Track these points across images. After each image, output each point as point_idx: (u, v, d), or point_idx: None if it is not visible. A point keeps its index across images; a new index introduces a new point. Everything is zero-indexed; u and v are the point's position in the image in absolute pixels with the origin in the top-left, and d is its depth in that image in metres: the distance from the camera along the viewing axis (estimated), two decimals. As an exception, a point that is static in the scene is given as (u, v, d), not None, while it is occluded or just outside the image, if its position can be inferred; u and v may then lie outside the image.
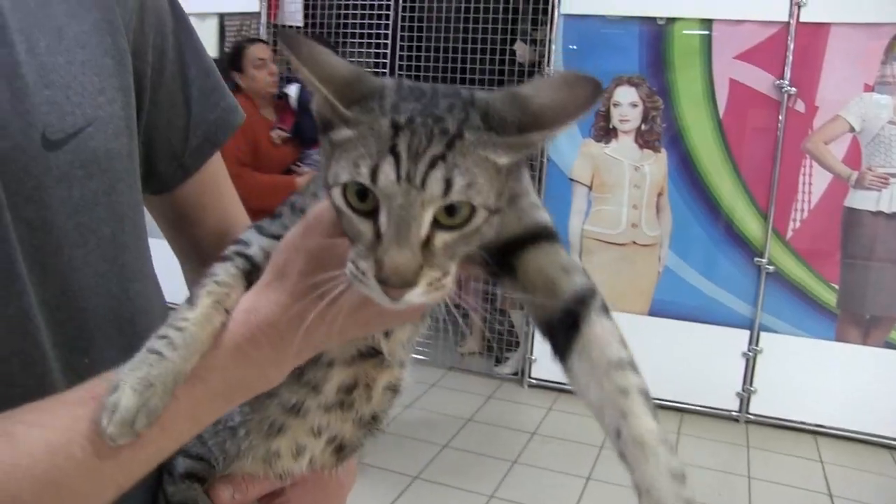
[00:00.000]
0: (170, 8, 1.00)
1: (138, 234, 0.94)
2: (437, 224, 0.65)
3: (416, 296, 0.64)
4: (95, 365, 0.79)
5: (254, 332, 0.75)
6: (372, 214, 0.65)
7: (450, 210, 0.65)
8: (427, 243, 0.65)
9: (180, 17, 1.02)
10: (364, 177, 0.63)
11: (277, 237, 0.80)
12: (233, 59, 4.39)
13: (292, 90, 4.57)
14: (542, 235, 0.77)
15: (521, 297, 0.77)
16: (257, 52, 4.36)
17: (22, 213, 0.77)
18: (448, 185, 0.63)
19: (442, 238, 0.65)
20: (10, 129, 0.76)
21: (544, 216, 0.78)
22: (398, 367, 0.92)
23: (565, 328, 0.74)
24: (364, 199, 0.65)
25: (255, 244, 0.81)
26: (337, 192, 0.66)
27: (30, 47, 0.79)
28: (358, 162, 0.64)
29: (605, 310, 0.75)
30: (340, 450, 0.94)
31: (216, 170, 1.12)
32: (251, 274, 0.78)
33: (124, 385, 0.67)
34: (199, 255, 1.10)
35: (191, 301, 0.74)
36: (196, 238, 1.11)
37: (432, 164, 0.63)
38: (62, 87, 0.80)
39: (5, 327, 0.76)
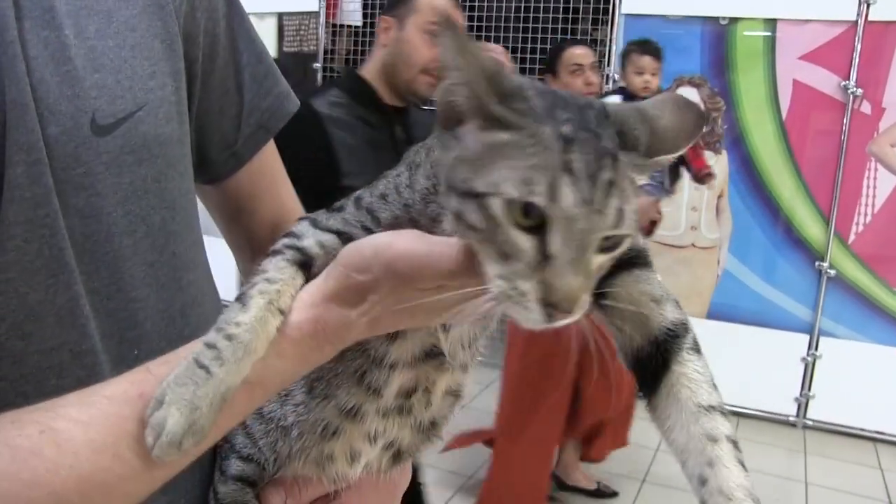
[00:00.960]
0: None
1: (190, 222, 0.91)
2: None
3: (570, 321, 0.61)
4: (146, 357, 0.76)
5: (321, 343, 0.73)
6: (535, 231, 0.61)
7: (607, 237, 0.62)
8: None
9: (232, 2, 0.98)
10: (541, 196, 0.59)
11: (336, 232, 0.76)
12: (549, 61, 3.90)
13: (615, 101, 4.44)
14: (636, 260, 0.74)
15: (608, 326, 0.74)
16: (576, 55, 3.77)
17: (71, 200, 0.75)
18: (621, 214, 0.61)
19: (598, 261, 0.62)
20: (59, 113, 0.73)
21: (639, 238, 0.74)
22: (460, 371, 0.88)
23: (654, 364, 0.72)
24: (528, 213, 0.60)
25: (310, 237, 0.76)
26: (497, 204, 0.60)
27: (78, 31, 0.77)
28: (530, 177, 0.59)
29: (697, 348, 0.73)
30: (397, 456, 0.91)
31: (270, 159, 1.08)
32: (306, 266, 0.75)
33: (170, 405, 0.65)
34: (253, 248, 1.07)
35: (242, 300, 0.70)
36: (250, 230, 1.08)
37: (608, 191, 0.60)
38: (112, 71, 0.78)
39: (55, 317, 0.74)
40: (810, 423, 4.60)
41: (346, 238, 0.76)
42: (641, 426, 3.60)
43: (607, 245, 0.62)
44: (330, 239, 0.76)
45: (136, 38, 0.82)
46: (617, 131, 0.63)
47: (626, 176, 0.62)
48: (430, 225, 0.73)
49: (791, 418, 4.64)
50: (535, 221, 0.60)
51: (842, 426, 4.56)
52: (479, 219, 0.62)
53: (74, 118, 0.74)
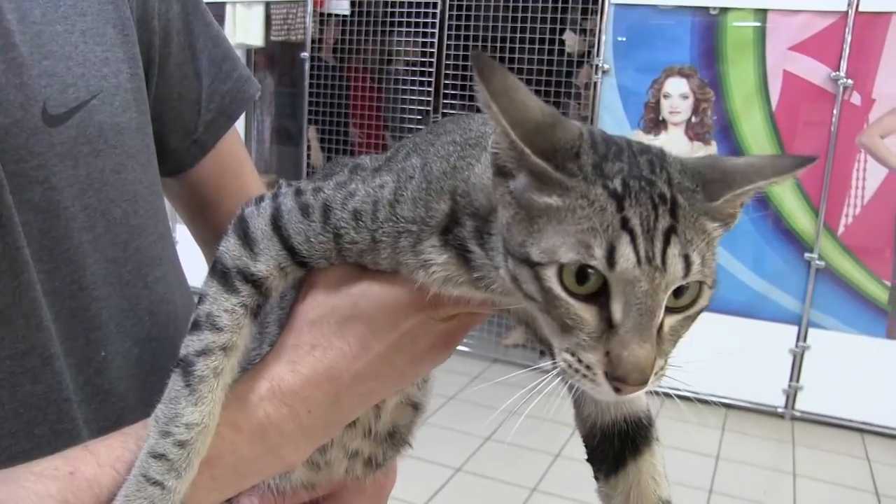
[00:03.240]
0: None
1: (154, 216, 0.88)
2: (665, 307, 0.58)
3: (643, 391, 0.58)
4: (113, 360, 0.75)
5: (277, 406, 0.70)
6: (594, 298, 0.57)
7: (678, 290, 0.58)
8: (658, 330, 0.58)
9: None
10: (599, 260, 0.55)
11: (296, 252, 0.71)
12: None
13: None
14: None
15: (578, 395, 0.73)
16: None
17: (25, 195, 0.72)
18: (687, 262, 0.56)
19: (669, 322, 0.59)
20: (6, 103, 0.70)
21: None
22: (413, 386, 0.85)
23: (622, 444, 0.72)
24: (584, 280, 0.57)
25: (268, 257, 0.71)
26: (551, 273, 0.57)
27: (22, 16, 0.73)
28: (586, 240, 0.55)
29: (658, 439, 0.74)
30: (368, 463, 0.88)
31: (234, 146, 1.05)
32: (258, 309, 0.71)
33: None
34: (220, 241, 1.04)
35: (189, 379, 0.65)
36: (217, 224, 1.02)
37: (667, 240, 0.56)
38: (62, 58, 0.75)
39: (23, 320, 0.71)
40: (798, 414, 4.60)
41: (303, 263, 0.72)
42: None
43: (681, 305, 0.59)
44: (288, 262, 0.71)
45: (86, 23, 0.78)
46: (678, 171, 0.59)
47: (690, 220, 0.58)
48: (391, 264, 0.69)
49: (779, 409, 4.64)
50: (594, 288, 0.57)
51: (830, 417, 4.56)
52: (536, 289, 0.58)
53: (24, 108, 0.71)
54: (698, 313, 0.61)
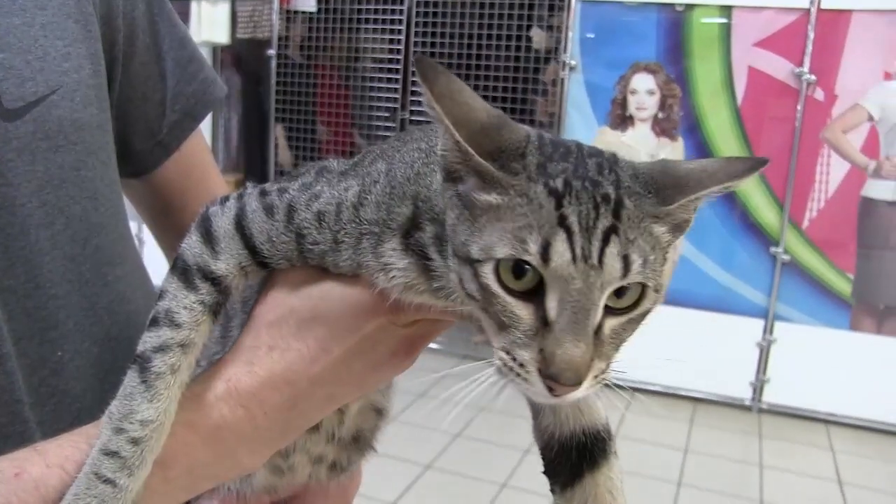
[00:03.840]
0: None
1: (115, 214, 0.87)
2: (606, 308, 0.57)
3: (579, 393, 0.57)
4: (70, 360, 0.73)
5: (233, 407, 0.69)
6: (530, 296, 0.57)
7: (619, 291, 0.57)
8: (597, 332, 0.57)
9: None
10: (533, 255, 0.55)
11: (257, 252, 0.70)
12: None
13: None
14: None
15: (537, 405, 0.73)
16: None
17: None
18: (626, 263, 0.56)
19: (611, 324, 0.58)
20: None
21: None
22: (375, 391, 0.85)
23: (580, 457, 0.72)
24: (520, 276, 0.56)
25: (228, 256, 0.70)
26: (488, 269, 0.57)
27: None
28: (522, 236, 0.55)
29: (616, 454, 0.73)
30: (333, 467, 0.88)
31: (198, 149, 1.04)
32: (217, 307, 0.70)
33: None
34: None
35: (145, 375, 0.65)
36: (181, 227, 0.96)
37: (606, 240, 0.55)
38: (20, 51, 0.73)
39: None
40: (765, 406, 4.66)
41: (263, 264, 0.71)
42: None
43: (622, 306, 0.58)
44: (248, 262, 0.71)
45: (46, 17, 0.77)
46: (630, 176, 0.59)
47: (635, 222, 0.57)
48: (352, 267, 0.69)
49: (747, 402, 4.69)
50: (530, 285, 0.56)
51: (796, 409, 4.61)
52: (476, 287, 0.58)
53: None
54: (642, 316, 0.60)
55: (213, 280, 0.70)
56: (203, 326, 0.69)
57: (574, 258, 0.55)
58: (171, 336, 0.67)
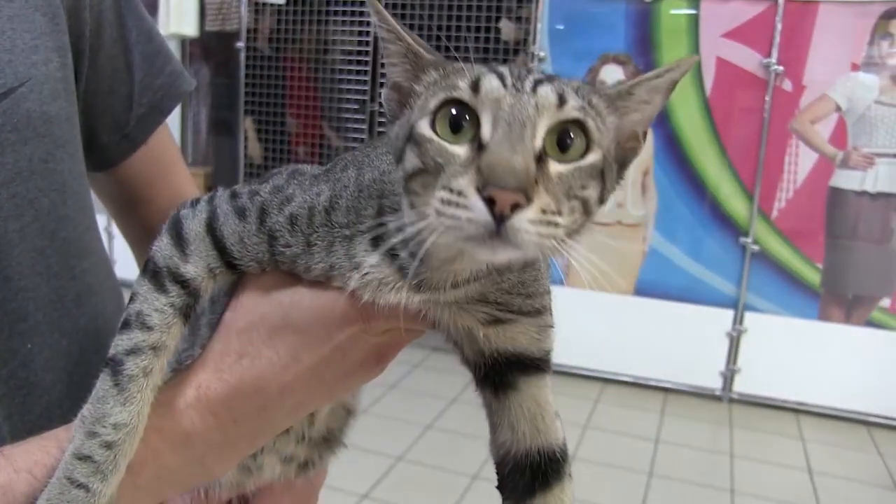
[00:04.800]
0: None
1: (82, 206, 0.88)
2: (549, 155, 0.57)
3: (529, 222, 0.53)
4: (39, 352, 0.73)
5: (202, 413, 0.69)
6: (468, 140, 0.58)
7: (563, 143, 0.58)
8: (541, 167, 0.56)
9: None
10: (463, 90, 0.58)
11: (227, 252, 0.71)
12: None
13: None
14: (544, 364, 0.72)
15: (500, 419, 0.72)
16: None
17: None
18: (561, 98, 0.57)
19: (557, 168, 0.57)
20: None
21: (549, 342, 0.72)
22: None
23: (534, 476, 0.71)
24: (457, 131, 0.57)
25: (198, 259, 0.71)
26: (424, 124, 0.58)
27: None
28: (453, 82, 0.59)
29: (571, 476, 0.73)
30: (303, 466, 0.89)
31: (165, 143, 1.04)
32: (188, 309, 0.71)
33: None
34: (151, 239, 1.00)
35: (118, 378, 0.65)
36: (147, 220, 1.03)
37: (538, 82, 0.58)
38: None
39: None
40: (736, 396, 4.69)
41: (233, 266, 0.72)
42: None
43: (569, 157, 0.58)
44: (217, 264, 0.71)
45: (13, 9, 0.77)
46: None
47: (572, 87, 0.60)
48: (324, 270, 0.69)
49: (717, 392, 4.72)
50: (468, 134, 0.57)
51: (766, 399, 4.65)
52: (415, 155, 0.59)
53: None
54: (591, 167, 0.59)
55: (183, 283, 0.70)
56: (174, 329, 0.69)
57: (504, 86, 0.57)
58: (142, 339, 0.67)
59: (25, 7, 0.78)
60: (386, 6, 4.77)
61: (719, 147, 4.54)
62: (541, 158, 0.57)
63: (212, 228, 0.72)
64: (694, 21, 4.47)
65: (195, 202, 0.75)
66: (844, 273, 4.50)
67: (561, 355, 4.85)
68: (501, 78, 0.58)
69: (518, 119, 0.56)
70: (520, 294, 0.69)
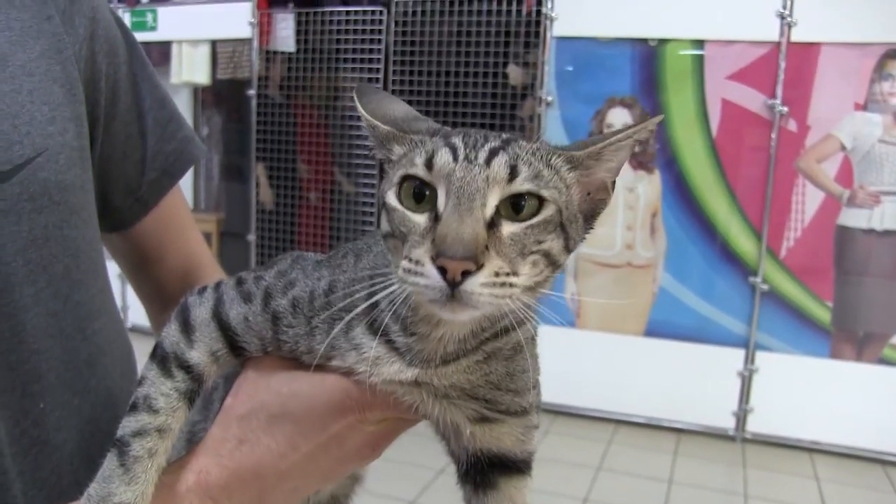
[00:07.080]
0: (122, 37, 0.96)
1: (95, 269, 0.90)
2: (503, 217, 0.62)
3: (481, 285, 0.58)
4: (52, 411, 0.75)
5: (202, 498, 0.71)
6: (428, 209, 0.63)
7: (516, 206, 0.62)
8: (494, 230, 0.61)
9: (133, 46, 0.98)
10: (419, 167, 0.62)
11: (232, 334, 0.74)
12: None
13: None
14: (525, 467, 0.77)
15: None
16: None
17: None
18: (513, 170, 0.61)
19: (510, 229, 0.62)
20: None
21: (531, 443, 0.76)
22: None
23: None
24: (420, 201, 0.63)
25: (202, 344, 0.75)
26: (391, 195, 0.64)
27: None
28: (412, 159, 0.63)
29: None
30: None
31: (176, 205, 1.07)
32: (193, 394, 0.74)
33: None
34: (163, 298, 1.05)
35: (124, 459, 0.67)
36: (159, 279, 1.06)
37: (493, 153, 0.62)
38: (8, 117, 0.77)
39: None
40: (749, 436, 4.66)
41: (237, 350, 0.75)
42: None
43: (522, 217, 0.62)
44: (223, 350, 0.75)
45: (34, 83, 0.80)
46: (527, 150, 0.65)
47: (528, 151, 0.64)
48: (326, 350, 0.72)
49: (730, 432, 4.69)
50: (427, 205, 0.62)
51: (779, 438, 4.62)
52: (387, 220, 0.64)
53: None
54: (546, 223, 0.63)
55: (187, 368, 0.74)
56: (179, 413, 0.72)
57: (456, 160, 0.61)
58: (148, 421, 0.70)
59: (45, 80, 0.82)
60: (395, 53, 4.83)
61: (726, 187, 4.57)
62: (493, 223, 0.61)
63: (217, 313, 0.75)
64: (699, 63, 4.52)
65: (202, 290, 0.79)
66: (855, 310, 4.49)
67: (573, 397, 4.84)
68: (454, 151, 0.62)
69: (467, 192, 0.60)
70: (509, 390, 0.72)
